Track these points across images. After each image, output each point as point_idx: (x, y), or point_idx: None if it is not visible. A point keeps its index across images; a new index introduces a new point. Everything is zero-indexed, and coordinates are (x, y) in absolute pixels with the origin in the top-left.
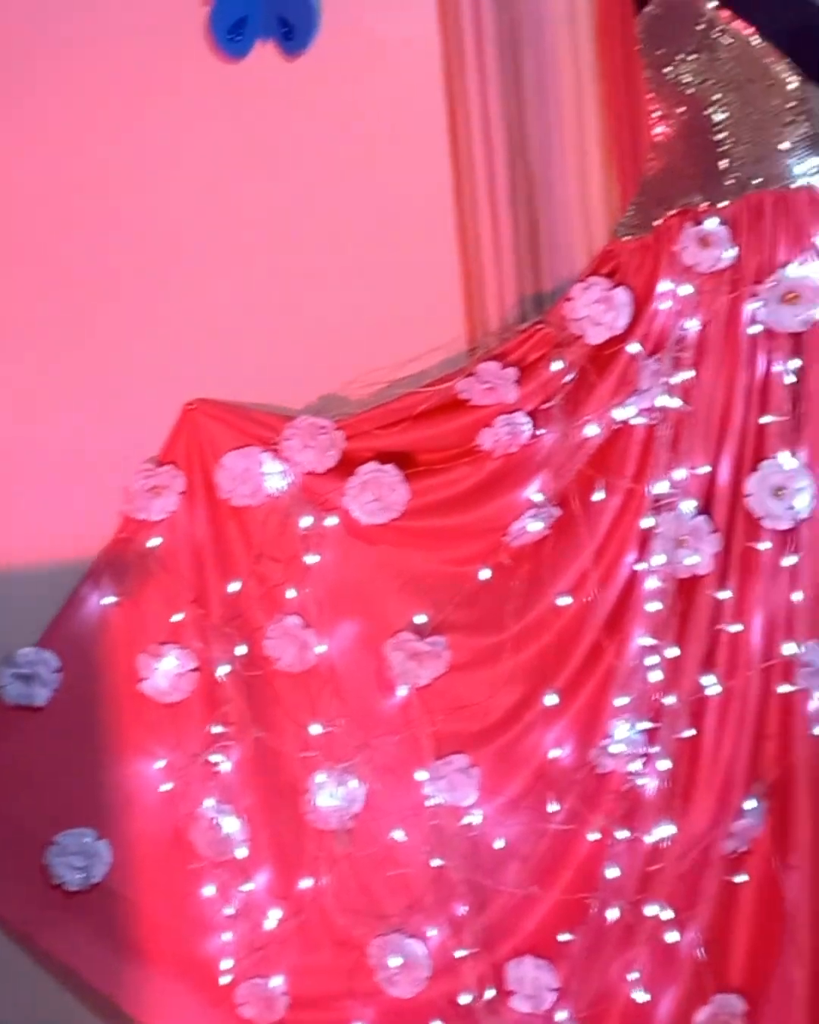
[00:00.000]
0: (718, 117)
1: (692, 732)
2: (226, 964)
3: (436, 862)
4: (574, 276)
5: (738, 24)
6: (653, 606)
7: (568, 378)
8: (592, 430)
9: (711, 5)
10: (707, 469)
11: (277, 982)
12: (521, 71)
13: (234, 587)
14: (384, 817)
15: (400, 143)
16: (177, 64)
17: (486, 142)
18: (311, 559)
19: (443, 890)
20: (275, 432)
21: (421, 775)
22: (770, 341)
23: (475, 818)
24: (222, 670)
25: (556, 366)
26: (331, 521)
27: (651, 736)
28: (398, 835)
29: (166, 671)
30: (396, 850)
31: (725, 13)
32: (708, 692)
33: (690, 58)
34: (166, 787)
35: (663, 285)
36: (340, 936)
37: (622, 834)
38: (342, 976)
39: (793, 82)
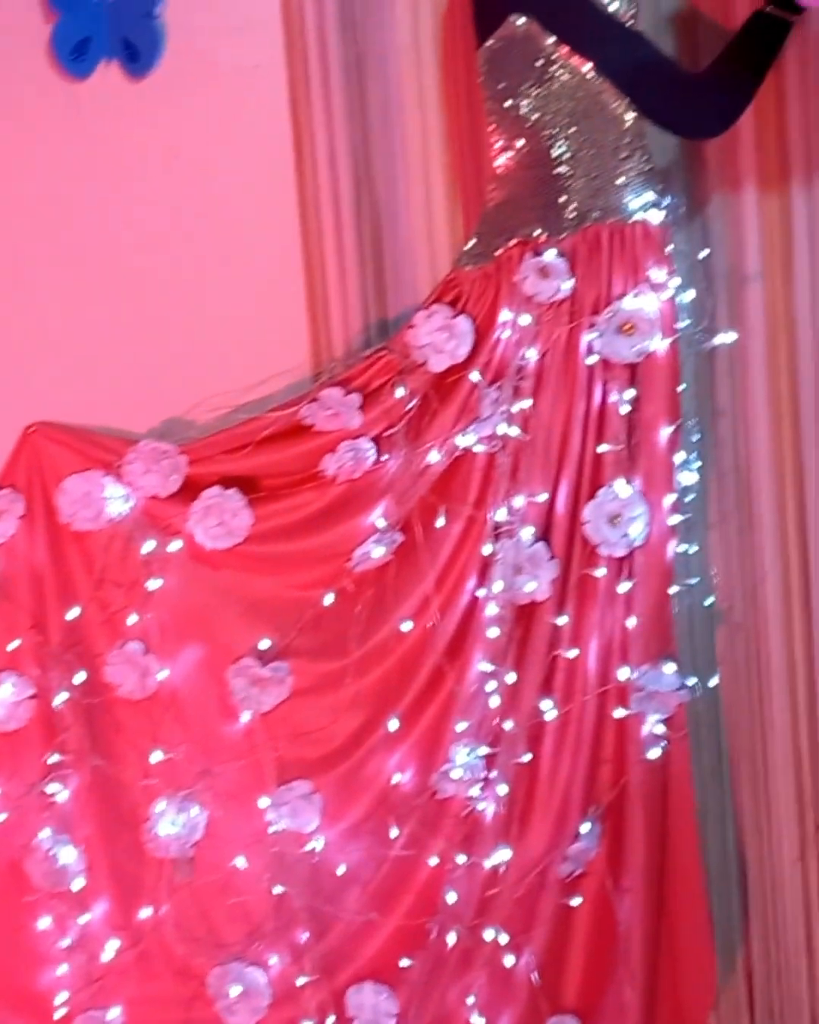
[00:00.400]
0: (557, 151)
1: (530, 757)
2: (62, 997)
3: (277, 889)
4: (419, 303)
5: (576, 59)
6: (493, 632)
7: (411, 405)
8: (434, 457)
9: (550, 40)
10: (545, 497)
11: (115, 1014)
12: (366, 100)
13: (74, 613)
14: (226, 844)
15: (246, 168)
16: (19, 82)
17: (331, 169)
18: (153, 584)
19: (284, 917)
20: (117, 456)
21: (263, 802)
22: (606, 371)
23: (317, 844)
24: (60, 698)
25: (399, 393)
26: (174, 546)
27: (490, 761)
28: (239, 862)
29: (3, 699)
30: (237, 877)
31: (564, 49)
32: (546, 717)
33: (530, 92)
34: (1, 818)
35: (504, 314)
36: (179, 965)
37: (461, 859)
38: (181, 1006)
39: (629, 118)
